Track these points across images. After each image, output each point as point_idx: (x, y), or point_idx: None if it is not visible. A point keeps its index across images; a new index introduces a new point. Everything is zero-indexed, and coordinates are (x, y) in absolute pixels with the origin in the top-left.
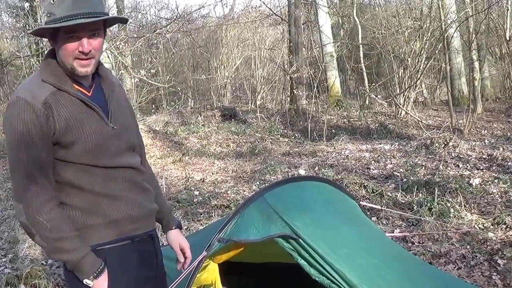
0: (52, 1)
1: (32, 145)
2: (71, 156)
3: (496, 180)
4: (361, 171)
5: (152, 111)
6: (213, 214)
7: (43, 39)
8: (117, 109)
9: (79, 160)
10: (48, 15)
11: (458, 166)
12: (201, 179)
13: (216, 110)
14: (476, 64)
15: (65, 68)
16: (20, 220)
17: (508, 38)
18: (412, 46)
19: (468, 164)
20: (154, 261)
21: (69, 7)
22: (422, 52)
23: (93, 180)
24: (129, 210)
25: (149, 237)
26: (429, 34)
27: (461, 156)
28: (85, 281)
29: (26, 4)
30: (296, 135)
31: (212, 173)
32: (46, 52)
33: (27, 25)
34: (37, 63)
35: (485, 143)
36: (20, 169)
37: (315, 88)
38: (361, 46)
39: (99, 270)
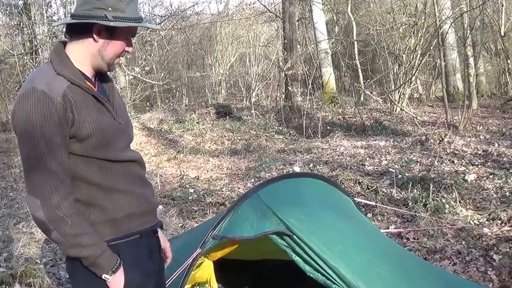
0: None
1: (51, 138)
2: (85, 150)
3: (491, 176)
4: (356, 167)
5: (147, 108)
6: (208, 212)
7: (37, 36)
8: (118, 105)
9: (92, 154)
10: (115, 10)
11: (453, 162)
12: (195, 177)
13: (210, 108)
14: (471, 60)
15: (95, 62)
16: (35, 216)
17: (502, 34)
18: (407, 42)
19: (463, 160)
20: (158, 255)
21: (135, 8)
22: (417, 48)
23: (104, 174)
24: (138, 205)
25: (152, 232)
26: (423, 30)
27: (456, 152)
28: (104, 276)
29: (20, 2)
30: (291, 132)
31: (207, 171)
32: (39, 49)
33: (21, 23)
34: (31, 61)
35: (480, 139)
36: (39, 162)
37: (310, 85)
38: (355, 42)
39: (116, 265)
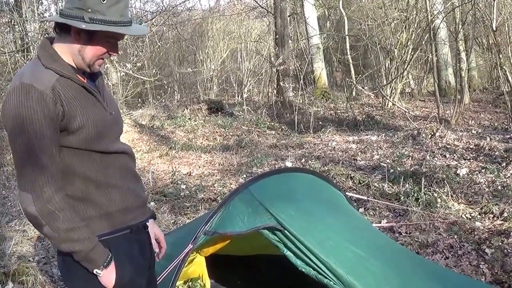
0: (102, 0)
1: (41, 132)
2: (76, 142)
3: (483, 170)
4: (348, 162)
5: (138, 105)
6: (200, 208)
7: (28, 34)
8: (108, 96)
9: (83, 146)
10: (94, 12)
11: (445, 156)
12: (187, 173)
13: (202, 104)
14: (463, 55)
15: (77, 61)
16: (27, 211)
17: (494, 29)
18: (399, 37)
19: (455, 154)
20: (149, 250)
21: (120, 11)
22: (408, 43)
23: (96, 167)
24: (128, 200)
25: (143, 226)
26: (415, 25)
27: (448, 146)
28: (95, 271)
29: None
30: (283, 127)
31: (199, 167)
32: (31, 46)
33: (12, 20)
34: (22, 58)
35: (472, 133)
36: (30, 157)
37: (302, 80)
38: (347, 37)
39: (108, 259)
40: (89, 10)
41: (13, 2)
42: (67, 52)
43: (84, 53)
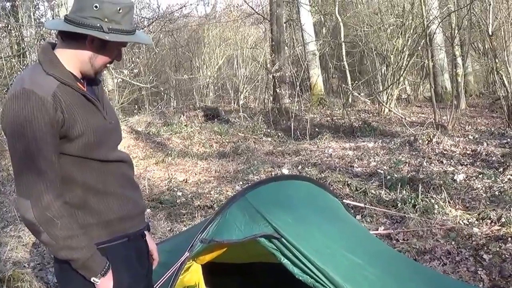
0: (118, 10)
1: (41, 138)
2: (76, 150)
3: (480, 175)
4: (344, 169)
5: (134, 111)
6: (196, 215)
7: (25, 39)
8: (107, 104)
9: (82, 154)
10: (111, 22)
11: (442, 162)
12: (184, 180)
13: (198, 110)
14: (459, 60)
15: (84, 68)
16: (25, 217)
17: (490, 33)
18: (395, 43)
19: (452, 160)
20: (146, 258)
21: (130, 20)
22: (404, 49)
23: (95, 175)
24: (126, 208)
25: (140, 235)
26: (411, 30)
27: (445, 152)
28: (93, 279)
29: (8, 4)
30: (279, 134)
31: (195, 174)
32: (27, 52)
33: (8, 25)
34: (18, 63)
35: (469, 138)
36: (29, 163)
37: (298, 87)
38: (343, 44)
39: (106, 268)
40: (106, 20)
41: (10, 7)
42: (74, 58)
43: (95, 60)
